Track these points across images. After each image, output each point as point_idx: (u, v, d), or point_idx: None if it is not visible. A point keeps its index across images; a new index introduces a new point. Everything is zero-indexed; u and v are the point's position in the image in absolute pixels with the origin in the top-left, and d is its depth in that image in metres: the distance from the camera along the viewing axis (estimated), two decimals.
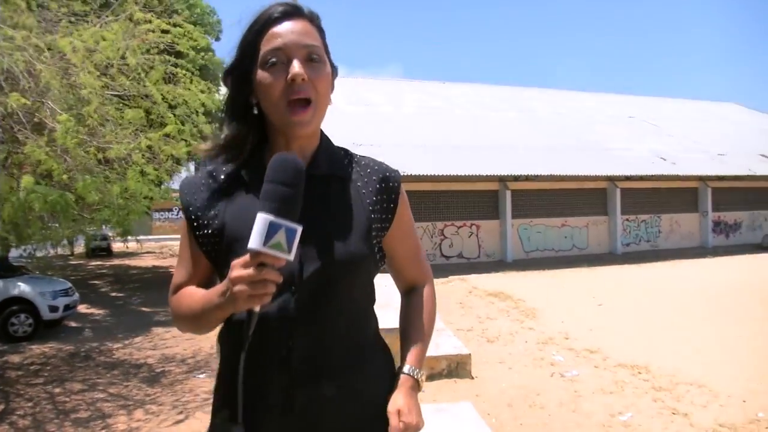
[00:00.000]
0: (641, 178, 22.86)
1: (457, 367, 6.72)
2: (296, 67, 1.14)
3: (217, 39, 16.31)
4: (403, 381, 1.28)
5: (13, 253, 12.10)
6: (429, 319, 1.40)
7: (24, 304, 9.99)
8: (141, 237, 15.98)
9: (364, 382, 1.26)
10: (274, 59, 1.15)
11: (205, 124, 7.73)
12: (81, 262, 25.23)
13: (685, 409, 5.75)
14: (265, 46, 1.16)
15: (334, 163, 1.29)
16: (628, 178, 22.76)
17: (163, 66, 7.14)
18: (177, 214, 39.30)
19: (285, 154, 1.05)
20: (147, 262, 25.52)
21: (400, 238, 1.37)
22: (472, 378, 6.76)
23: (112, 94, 6.97)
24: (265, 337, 1.12)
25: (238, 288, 0.99)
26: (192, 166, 15.29)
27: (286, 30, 1.16)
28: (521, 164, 20.89)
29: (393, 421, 1.18)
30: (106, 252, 28.38)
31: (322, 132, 1.32)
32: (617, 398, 6.14)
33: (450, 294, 13.55)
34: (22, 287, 10.18)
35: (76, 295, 11.09)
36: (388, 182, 1.37)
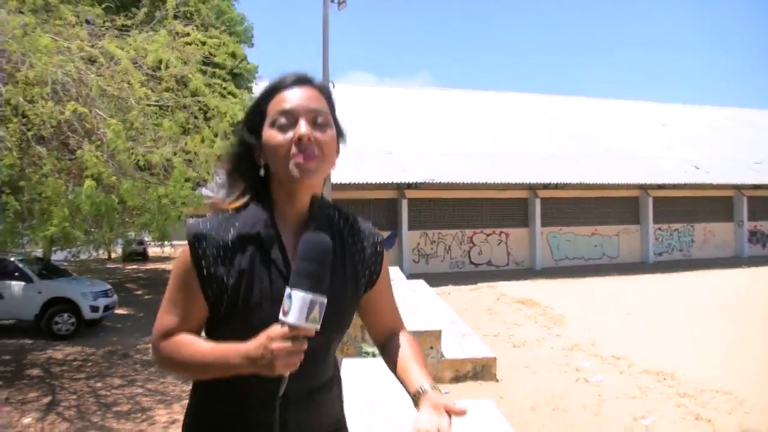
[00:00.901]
0: (674, 187, 22.62)
1: (482, 370, 6.86)
2: (303, 127, 1.21)
3: (251, 45, 16.71)
4: (434, 397, 1.25)
5: (54, 256, 12.63)
6: (421, 352, 1.45)
7: (67, 304, 10.43)
8: (176, 242, 16.43)
9: (330, 403, 1.42)
10: (283, 120, 1.23)
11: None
12: (118, 266, 25.94)
13: (709, 415, 5.80)
14: (275, 108, 1.25)
15: (331, 225, 1.33)
16: (660, 187, 22.54)
17: (201, 77, 7.48)
18: None
19: (316, 234, 1.16)
20: None
21: (384, 292, 1.45)
22: (497, 381, 6.89)
23: (151, 104, 7.32)
24: (260, 384, 1.21)
25: (280, 361, 1.08)
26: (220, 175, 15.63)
27: (295, 95, 1.25)
28: (551, 172, 20.89)
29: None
30: (142, 256, 29.07)
31: (322, 196, 1.37)
32: (641, 403, 6.21)
33: (478, 300, 13.65)
34: (66, 288, 10.63)
35: (115, 297, 11.52)
36: (376, 245, 1.41)
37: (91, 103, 6.42)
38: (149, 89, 7.07)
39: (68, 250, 10.03)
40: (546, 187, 21.28)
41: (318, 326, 1.10)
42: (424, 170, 19.48)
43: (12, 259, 10.35)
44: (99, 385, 7.45)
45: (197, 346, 1.22)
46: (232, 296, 1.22)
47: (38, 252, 10.88)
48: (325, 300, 1.11)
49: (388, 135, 22.04)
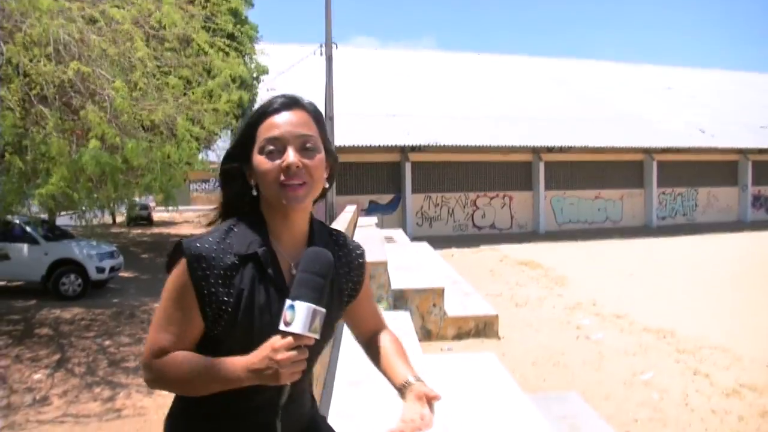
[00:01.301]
0: (678, 151, 22.50)
1: (484, 327, 6.95)
2: (291, 156, 1.23)
3: (251, 5, 16.55)
4: (418, 388, 1.28)
5: (60, 221, 12.70)
6: (403, 348, 1.48)
7: (73, 265, 10.54)
8: (180, 207, 16.50)
9: (307, 401, 1.47)
10: (271, 147, 1.24)
11: (242, 92, 8.05)
12: (122, 230, 26.08)
13: (706, 370, 5.90)
14: (264, 134, 1.25)
15: (323, 244, 1.34)
16: (665, 151, 22.42)
17: (204, 34, 7.41)
18: (214, 186, 40.16)
19: (318, 248, 1.22)
20: (185, 230, 26.21)
21: (365, 299, 1.50)
22: (499, 338, 6.98)
23: (154, 65, 7.27)
24: (257, 395, 1.26)
25: (285, 370, 1.11)
26: (227, 138, 15.55)
27: (283, 120, 1.26)
28: (555, 135, 20.78)
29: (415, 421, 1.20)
30: (147, 221, 29.21)
31: (311, 214, 1.40)
32: (640, 359, 6.31)
33: (480, 262, 13.74)
34: (72, 249, 10.74)
35: (120, 258, 11.64)
36: (360, 261, 1.46)
37: (94, 63, 6.38)
38: (152, 49, 7.03)
39: (73, 212, 10.10)
40: (550, 150, 21.19)
41: (318, 336, 1.14)
42: (427, 133, 19.38)
43: (18, 221, 10.43)
44: (107, 343, 7.59)
45: (195, 362, 1.21)
46: (231, 314, 1.22)
47: (43, 215, 10.97)
48: (324, 311, 1.15)
49: (392, 98, 21.88)
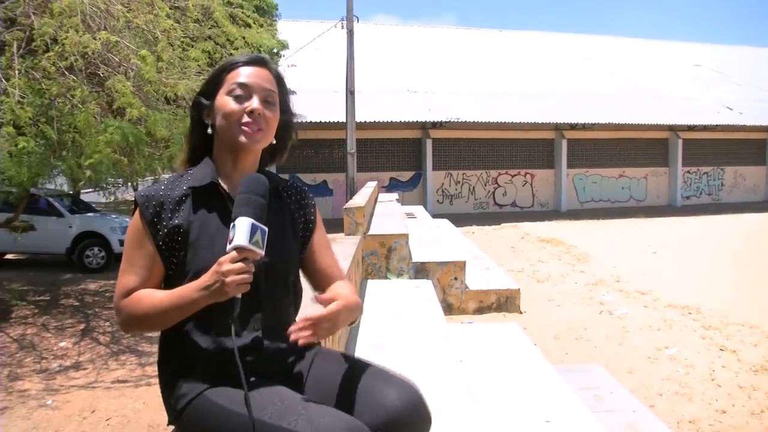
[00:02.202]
0: (705, 128, 22.00)
1: (506, 302, 6.91)
2: (256, 102, 1.38)
3: None
4: (348, 293, 1.43)
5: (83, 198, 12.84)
6: (355, 293, 1.54)
7: (97, 237, 10.68)
8: None
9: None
10: (239, 91, 1.39)
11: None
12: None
13: (734, 347, 5.80)
14: (233, 79, 1.40)
15: (271, 183, 1.43)
16: (690, 128, 21.96)
17: (222, 9, 7.36)
18: None
19: (255, 174, 1.33)
20: None
21: (323, 250, 1.57)
22: (521, 313, 6.94)
23: (178, 37, 7.25)
24: (213, 317, 1.32)
25: (229, 279, 1.18)
26: None
27: (252, 72, 1.41)
28: (578, 112, 20.45)
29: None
30: None
31: (260, 161, 1.52)
32: (665, 334, 6.23)
33: (501, 239, 13.66)
34: (96, 222, 10.88)
35: None
36: (307, 200, 1.58)
37: (119, 34, 6.37)
38: (175, 20, 6.99)
39: (96, 186, 10.18)
40: (573, 127, 20.88)
41: (262, 251, 1.22)
42: (448, 110, 19.18)
43: (43, 194, 10.58)
44: None
45: (156, 295, 1.32)
46: (183, 242, 1.34)
47: (68, 189, 11.11)
48: (266, 229, 1.23)
49: (413, 74, 21.68)
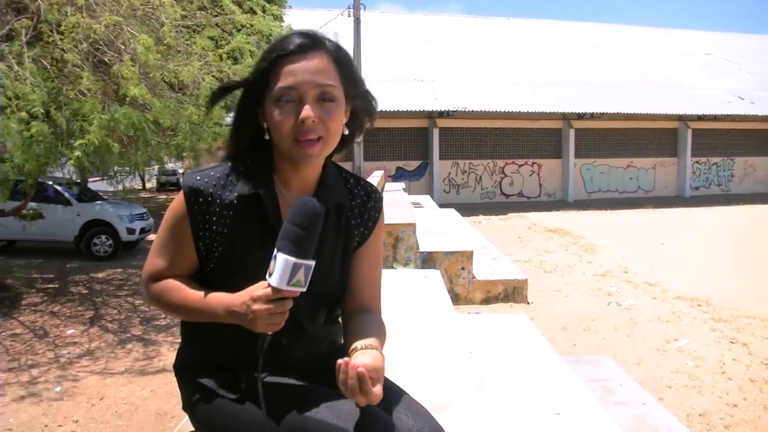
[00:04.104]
0: (715, 118, 21.80)
1: (513, 292, 6.88)
2: (307, 110, 1.15)
3: None
4: (369, 346, 1.16)
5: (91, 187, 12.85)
6: (384, 333, 1.32)
7: (104, 226, 10.71)
8: None
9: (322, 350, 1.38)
10: (286, 97, 1.17)
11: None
12: (152, 195, 26.46)
13: (744, 339, 5.76)
14: (279, 83, 1.17)
15: (334, 194, 1.31)
16: (700, 118, 21.77)
17: None
18: None
19: (306, 199, 1.12)
20: None
21: (368, 257, 1.38)
22: (528, 303, 6.91)
23: (183, 24, 7.21)
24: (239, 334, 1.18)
25: (260, 320, 1.09)
26: None
27: (300, 68, 1.17)
28: (586, 102, 20.31)
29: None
30: (175, 186, 29.55)
31: (327, 159, 1.32)
32: (674, 326, 6.19)
33: (508, 229, 13.61)
34: (103, 211, 10.89)
35: (151, 220, 11.77)
36: (371, 215, 1.38)
37: (125, 21, 6.34)
38: (181, 7, 6.95)
39: (104, 174, 10.18)
40: (581, 117, 20.74)
41: (304, 289, 1.09)
42: (455, 99, 19.08)
43: (51, 183, 10.60)
44: (138, 302, 7.70)
45: (185, 292, 1.23)
46: (222, 254, 1.24)
47: (76, 178, 11.12)
48: (312, 263, 1.09)
49: (420, 63, 21.56)
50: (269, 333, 1.12)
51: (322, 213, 1.13)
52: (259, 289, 1.10)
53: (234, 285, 1.17)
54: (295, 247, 1.07)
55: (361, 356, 1.11)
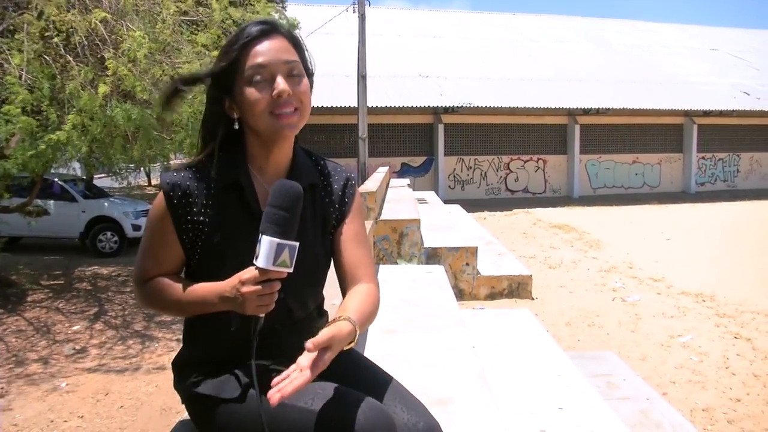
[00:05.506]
0: (721, 114, 21.66)
1: (517, 287, 6.87)
2: (281, 83, 1.22)
3: None
4: (342, 323, 1.16)
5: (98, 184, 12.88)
6: (371, 303, 1.32)
7: (110, 222, 10.74)
8: None
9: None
10: (258, 77, 1.23)
11: None
12: (157, 192, 26.56)
13: (749, 335, 5.74)
14: (248, 63, 1.23)
15: (306, 175, 1.36)
16: (706, 114, 21.64)
17: None
18: None
19: (285, 181, 1.16)
20: None
21: (351, 242, 1.41)
22: (533, 299, 6.90)
23: (184, 20, 7.21)
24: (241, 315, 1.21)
25: (249, 302, 1.12)
26: None
27: (266, 48, 1.24)
28: (592, 97, 20.22)
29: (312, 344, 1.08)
30: None
31: (295, 142, 1.38)
32: (678, 322, 6.17)
33: (513, 225, 13.60)
34: (108, 207, 10.92)
35: None
36: (347, 188, 1.43)
37: (123, 16, 6.34)
38: (181, 3, 6.95)
39: (109, 171, 10.19)
40: (586, 112, 20.65)
41: (290, 269, 1.12)
42: (461, 94, 19.03)
43: (56, 179, 10.64)
44: None
45: (176, 288, 1.27)
46: (206, 242, 1.28)
47: (82, 175, 11.15)
48: (296, 244, 1.12)
49: (425, 59, 21.51)
50: (261, 315, 1.16)
51: (302, 194, 1.16)
52: (247, 272, 1.13)
53: (221, 275, 1.20)
54: (278, 228, 1.11)
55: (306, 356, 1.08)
